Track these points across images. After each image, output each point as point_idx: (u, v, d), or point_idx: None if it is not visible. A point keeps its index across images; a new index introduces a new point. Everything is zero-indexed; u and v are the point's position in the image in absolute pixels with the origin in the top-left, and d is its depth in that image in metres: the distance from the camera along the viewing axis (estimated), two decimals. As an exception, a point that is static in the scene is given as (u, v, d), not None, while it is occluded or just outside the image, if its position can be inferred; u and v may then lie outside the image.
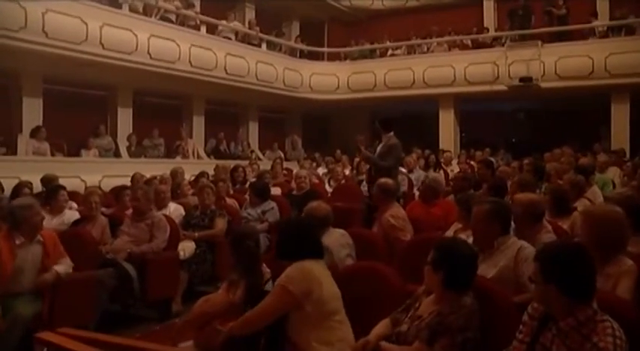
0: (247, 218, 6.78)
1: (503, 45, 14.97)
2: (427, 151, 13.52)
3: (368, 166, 8.52)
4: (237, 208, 7.02)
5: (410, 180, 10.27)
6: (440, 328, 2.63)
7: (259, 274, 3.58)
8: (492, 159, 12.20)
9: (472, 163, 13.12)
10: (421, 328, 2.70)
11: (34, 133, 10.35)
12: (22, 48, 9.43)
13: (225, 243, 6.11)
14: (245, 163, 11.41)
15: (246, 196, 7.62)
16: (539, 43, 14.06)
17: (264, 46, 15.23)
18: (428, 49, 16.56)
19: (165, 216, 5.86)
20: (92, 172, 10.14)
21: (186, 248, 5.85)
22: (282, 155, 14.68)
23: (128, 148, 12.08)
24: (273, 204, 6.94)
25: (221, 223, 6.22)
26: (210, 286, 6.43)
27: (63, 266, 4.51)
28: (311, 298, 2.99)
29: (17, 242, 4.46)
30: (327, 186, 9.94)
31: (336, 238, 4.32)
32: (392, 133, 7.43)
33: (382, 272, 3.29)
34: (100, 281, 4.91)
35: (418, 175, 10.87)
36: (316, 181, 9.93)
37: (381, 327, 2.94)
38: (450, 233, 4.86)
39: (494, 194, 5.64)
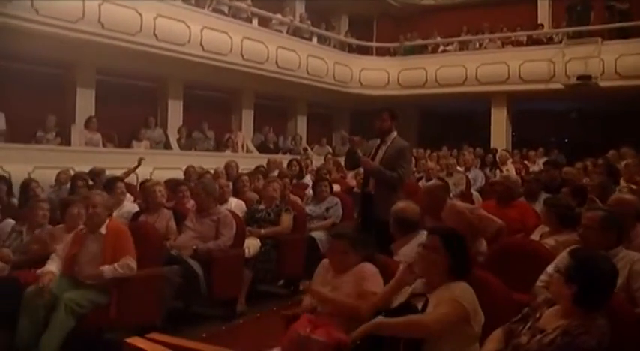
0: (310, 215, 6.54)
1: (560, 42, 14.49)
2: (479, 150, 13.19)
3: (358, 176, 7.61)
4: (302, 204, 6.78)
5: (468, 179, 9.96)
6: (569, 349, 2.35)
7: None
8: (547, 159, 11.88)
9: (526, 163, 12.74)
10: (544, 344, 2.41)
11: (87, 124, 10.31)
12: (79, 39, 9.43)
13: (291, 240, 5.96)
14: (296, 158, 11.19)
15: (306, 192, 7.39)
16: (599, 40, 13.55)
17: (314, 40, 15.01)
18: (480, 45, 16.14)
19: (231, 212, 5.63)
20: (143, 164, 10.00)
21: (252, 245, 5.63)
22: (332, 151, 14.41)
23: (178, 141, 11.97)
24: (336, 200, 6.72)
25: (287, 220, 5.99)
26: (274, 286, 6.29)
27: (118, 265, 4.33)
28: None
29: (82, 232, 4.55)
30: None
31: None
32: (395, 132, 5.51)
33: (485, 280, 3.00)
34: (166, 278, 4.72)
35: (475, 174, 10.56)
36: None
37: (494, 342, 2.66)
38: (535, 237, 4.56)
39: (576, 198, 5.34)
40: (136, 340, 2.43)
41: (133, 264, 4.38)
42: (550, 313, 2.56)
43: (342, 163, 8.54)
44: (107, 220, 4.53)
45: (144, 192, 6.11)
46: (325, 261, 3.54)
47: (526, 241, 4.29)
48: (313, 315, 3.22)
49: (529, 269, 3.59)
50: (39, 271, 4.42)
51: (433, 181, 5.71)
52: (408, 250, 3.69)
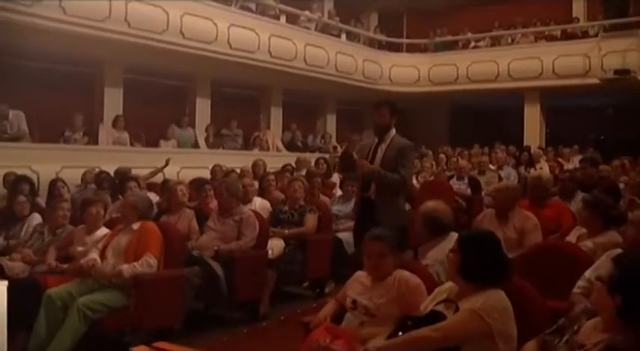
0: (337, 215, 6.37)
1: (596, 35, 14.08)
2: (511, 148, 12.89)
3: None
4: (328, 203, 6.61)
5: (500, 178, 9.70)
6: (612, 368, 2.13)
7: None
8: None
9: (560, 161, 12.40)
10: (584, 360, 2.20)
11: (115, 123, 10.30)
12: (106, 38, 9.38)
13: (317, 241, 5.79)
14: (324, 156, 11.02)
15: (334, 191, 7.22)
16: (638, 32, 13.11)
17: (343, 36, 14.84)
18: (512, 40, 15.81)
19: (254, 212, 5.48)
20: (171, 163, 9.98)
21: (275, 246, 5.48)
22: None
23: (206, 139, 11.90)
24: (364, 200, 6.51)
25: (312, 220, 5.82)
26: (299, 287, 6.14)
27: (137, 264, 4.26)
28: (503, 336, 2.53)
29: (120, 226, 4.60)
30: (414, 182, 9.45)
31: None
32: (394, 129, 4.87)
33: (517, 285, 2.79)
34: (186, 280, 4.59)
35: (508, 172, 10.31)
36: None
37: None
38: (571, 239, 4.32)
39: (609, 197, 5.08)
40: (141, 350, 2.29)
41: (153, 261, 4.30)
42: (590, 326, 2.33)
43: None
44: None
45: (166, 191, 6.00)
46: (358, 273, 3.31)
47: (562, 243, 4.05)
48: (332, 324, 3.05)
49: (565, 274, 3.39)
50: (82, 260, 4.39)
51: (508, 182, 5.37)
52: (436, 254, 3.49)
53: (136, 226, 4.47)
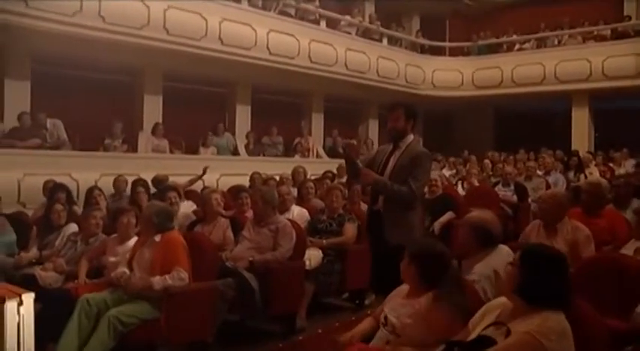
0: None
1: (649, 34, 13.59)
2: (559, 152, 12.46)
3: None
4: (367, 212, 6.37)
5: (548, 184, 9.34)
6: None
7: None
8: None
9: (611, 165, 11.91)
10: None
11: (154, 130, 10.28)
12: (145, 45, 9.45)
13: (356, 251, 5.57)
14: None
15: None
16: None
17: (384, 41, 14.61)
18: (559, 41, 15.37)
19: (291, 221, 5.29)
20: (210, 171, 9.88)
21: (313, 257, 5.26)
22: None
23: (246, 146, 11.79)
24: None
25: (351, 230, 5.60)
26: (338, 299, 5.93)
27: (169, 277, 4.11)
28: None
29: (142, 238, 4.46)
30: (459, 189, 9.16)
31: (504, 259, 3.26)
32: (412, 135, 4.29)
33: (577, 306, 2.53)
34: (219, 292, 4.42)
35: (556, 178, 9.92)
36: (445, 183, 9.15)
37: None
38: (628, 251, 4.01)
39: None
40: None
41: (184, 275, 4.14)
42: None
43: None
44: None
45: (201, 199, 5.86)
46: (401, 287, 3.08)
47: (620, 257, 3.70)
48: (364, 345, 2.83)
49: (624, 291, 3.09)
50: (112, 274, 4.30)
51: (555, 190, 4.95)
52: (483, 268, 3.22)
53: (157, 238, 4.30)
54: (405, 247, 3.62)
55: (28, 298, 2.67)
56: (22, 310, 2.64)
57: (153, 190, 7.48)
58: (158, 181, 7.71)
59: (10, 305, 2.59)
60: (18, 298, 2.64)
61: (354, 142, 4.53)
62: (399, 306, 2.93)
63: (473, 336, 2.50)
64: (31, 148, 8.61)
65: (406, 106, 4.27)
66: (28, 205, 7.76)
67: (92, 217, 5.09)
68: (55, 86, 9.33)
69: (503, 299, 2.60)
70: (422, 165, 4.10)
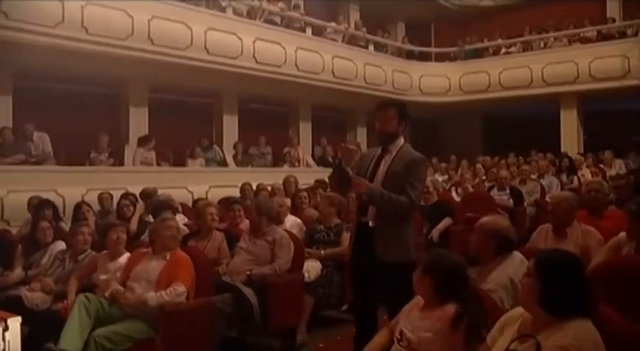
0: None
1: (635, 35, 13.56)
2: (549, 155, 12.38)
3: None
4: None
5: (542, 188, 9.25)
6: None
7: None
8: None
9: (602, 166, 11.85)
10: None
11: (143, 142, 10.07)
12: (129, 56, 9.27)
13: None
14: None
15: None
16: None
17: (371, 47, 14.51)
18: (545, 44, 15.32)
19: (288, 232, 5.10)
20: (199, 183, 9.75)
21: (312, 269, 5.08)
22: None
23: (234, 157, 11.60)
24: (403, 216, 6.10)
25: (348, 239, 5.42)
26: (338, 311, 5.74)
27: (165, 293, 3.95)
28: None
29: (143, 250, 4.35)
30: (454, 194, 9.04)
31: (518, 267, 3.11)
32: (403, 138, 3.83)
33: (603, 314, 2.37)
34: (217, 309, 4.23)
35: (550, 181, 9.84)
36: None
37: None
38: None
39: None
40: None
41: (182, 290, 3.98)
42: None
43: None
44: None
45: (195, 213, 5.66)
46: (418, 297, 2.90)
47: (637, 260, 3.56)
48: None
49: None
50: (106, 293, 4.08)
51: (565, 192, 4.72)
52: (499, 277, 3.05)
53: (167, 255, 4.18)
54: (400, 265, 3.44)
55: (15, 322, 2.53)
56: (8, 336, 2.51)
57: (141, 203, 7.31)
58: (146, 194, 7.49)
59: None
60: (3, 323, 2.50)
61: (352, 146, 3.83)
62: (416, 319, 2.76)
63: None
64: (15, 164, 8.40)
65: (399, 105, 3.88)
66: (13, 222, 7.58)
67: (80, 233, 4.89)
68: (37, 100, 9.12)
69: (521, 309, 2.44)
70: (418, 171, 3.66)
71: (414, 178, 3.59)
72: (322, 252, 5.34)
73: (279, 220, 5.72)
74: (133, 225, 6.37)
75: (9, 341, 2.48)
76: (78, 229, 5.00)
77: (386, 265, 3.51)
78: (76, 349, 3.68)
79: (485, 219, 3.35)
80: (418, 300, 2.86)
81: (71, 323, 3.79)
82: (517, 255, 3.19)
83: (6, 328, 2.47)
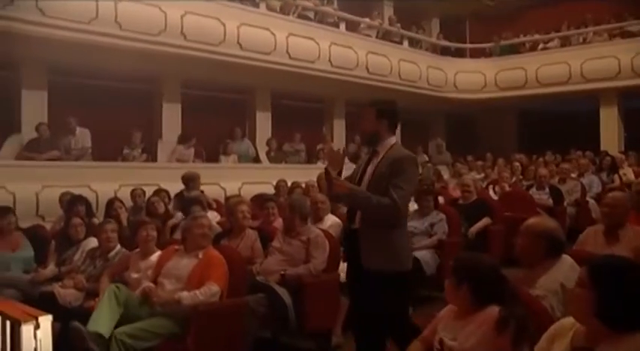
0: (413, 232, 5.82)
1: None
2: (589, 153, 12.05)
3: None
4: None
5: (583, 186, 8.97)
6: None
7: None
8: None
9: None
10: None
11: (183, 140, 10.08)
12: (162, 51, 9.24)
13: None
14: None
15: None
16: None
17: (405, 43, 14.31)
18: (584, 39, 14.92)
19: (324, 231, 4.96)
20: (231, 179, 9.68)
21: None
22: (428, 159, 13.62)
23: (267, 154, 11.52)
24: (442, 215, 5.96)
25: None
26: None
27: (199, 292, 3.85)
28: None
29: (175, 247, 4.27)
30: (491, 193, 8.82)
31: (568, 271, 2.92)
32: (395, 138, 3.61)
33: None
34: (250, 309, 4.13)
35: (590, 180, 9.56)
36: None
37: None
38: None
39: None
40: None
41: (216, 289, 3.88)
42: None
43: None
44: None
45: (227, 210, 5.56)
46: (450, 306, 2.75)
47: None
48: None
49: None
50: (138, 291, 4.00)
51: (619, 192, 4.47)
52: (549, 282, 2.86)
53: (200, 254, 4.08)
54: (384, 274, 3.29)
55: (46, 320, 2.32)
56: (40, 334, 2.31)
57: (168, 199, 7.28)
58: (189, 177, 7.62)
59: (26, 329, 2.26)
60: (34, 321, 2.32)
61: (335, 147, 3.69)
62: (456, 327, 2.61)
63: None
64: (50, 160, 8.45)
65: (378, 104, 3.60)
66: (47, 217, 7.63)
67: (103, 231, 4.84)
68: (72, 96, 9.15)
69: (572, 319, 2.27)
70: (404, 171, 3.38)
71: (397, 179, 3.35)
72: (358, 252, 5.19)
73: (318, 218, 5.60)
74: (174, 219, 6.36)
75: (40, 339, 2.28)
76: (102, 226, 4.95)
77: (371, 273, 3.35)
78: (106, 332, 3.63)
79: (531, 220, 3.17)
80: (451, 307, 2.71)
81: (101, 308, 3.76)
82: (567, 258, 3.00)
83: (37, 326, 2.29)
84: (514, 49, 15.91)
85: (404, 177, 3.36)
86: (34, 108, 8.97)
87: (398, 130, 12.04)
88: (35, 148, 8.49)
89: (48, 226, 6.96)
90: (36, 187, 7.98)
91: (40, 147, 8.52)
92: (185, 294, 3.83)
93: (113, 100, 9.72)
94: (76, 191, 7.15)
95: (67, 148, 8.93)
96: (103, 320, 3.69)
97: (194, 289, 3.86)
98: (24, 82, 8.97)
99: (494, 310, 2.48)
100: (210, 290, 3.83)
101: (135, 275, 4.32)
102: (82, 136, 9.11)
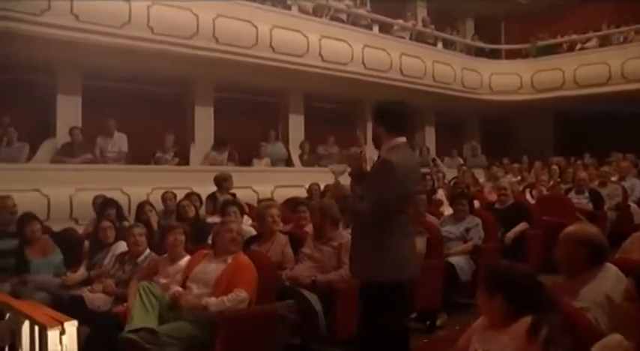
0: (448, 236, 5.68)
1: None
2: (630, 156, 11.71)
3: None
4: (438, 225, 5.90)
5: (624, 190, 8.72)
6: None
7: None
8: None
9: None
10: None
11: (218, 146, 10.09)
12: (194, 55, 9.22)
13: (426, 267, 5.12)
14: (427, 171, 10.31)
15: (441, 209, 6.53)
16: None
17: (439, 45, 14.14)
18: (625, 39, 14.53)
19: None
20: (264, 182, 9.63)
21: (380, 275, 4.83)
22: (462, 162, 13.42)
23: (300, 157, 11.45)
24: (478, 220, 5.81)
25: (420, 244, 5.10)
26: (406, 320, 5.47)
27: (227, 299, 3.78)
28: None
29: (205, 251, 4.24)
30: (528, 197, 8.61)
31: (614, 282, 2.74)
32: (399, 140, 3.37)
33: None
34: (279, 316, 4.04)
35: (632, 183, 9.29)
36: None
37: None
38: None
39: None
40: None
41: (244, 296, 3.81)
42: None
43: None
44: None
45: (257, 214, 5.49)
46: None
47: None
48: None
49: None
50: (168, 295, 3.97)
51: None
52: (593, 293, 2.68)
53: (229, 259, 4.03)
54: (367, 284, 3.22)
55: (71, 326, 2.42)
56: (65, 340, 2.39)
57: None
58: (221, 178, 7.66)
59: (52, 334, 2.36)
60: (60, 327, 2.39)
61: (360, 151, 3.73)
62: (490, 338, 2.49)
63: None
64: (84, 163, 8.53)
65: (376, 105, 3.53)
66: (81, 220, 7.66)
67: (131, 235, 4.80)
68: (105, 100, 9.18)
69: (619, 337, 2.12)
70: (376, 175, 3.28)
71: (372, 183, 3.28)
72: (391, 257, 5.07)
73: (349, 223, 5.49)
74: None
75: (66, 345, 2.38)
76: (130, 230, 4.91)
77: (361, 283, 3.34)
78: (154, 325, 3.68)
79: (571, 228, 2.99)
80: (484, 318, 2.58)
81: (138, 307, 3.77)
82: (611, 267, 2.83)
83: (63, 332, 2.38)
84: (551, 50, 15.58)
85: (375, 181, 3.27)
86: (68, 112, 9.03)
87: (432, 134, 11.97)
88: (69, 152, 8.57)
89: (81, 229, 6.99)
90: (70, 191, 8.02)
91: (73, 151, 8.59)
92: (212, 300, 3.78)
93: (146, 103, 9.75)
94: (109, 194, 7.19)
95: (103, 149, 9.05)
96: (145, 316, 3.71)
97: (221, 294, 3.80)
98: (59, 87, 9.04)
99: (527, 320, 2.35)
100: (238, 297, 3.76)
101: (163, 280, 4.25)
102: (120, 140, 9.23)
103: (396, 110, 3.45)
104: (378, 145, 3.48)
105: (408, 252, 3.38)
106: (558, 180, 10.03)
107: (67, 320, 2.44)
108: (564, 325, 2.33)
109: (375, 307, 3.24)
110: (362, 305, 3.39)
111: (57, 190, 7.88)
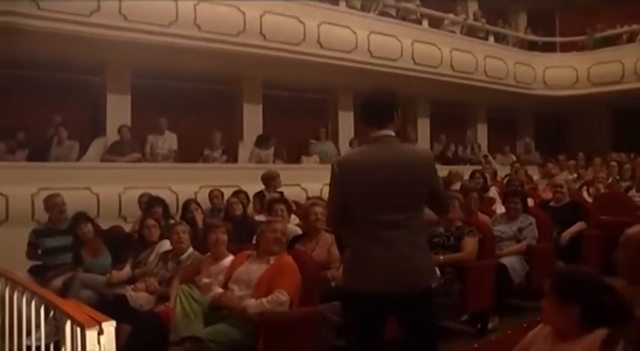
0: (500, 236, 5.47)
1: None
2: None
3: None
4: (490, 224, 5.68)
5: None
6: None
7: None
8: None
9: None
10: None
11: (261, 142, 9.99)
12: (242, 52, 9.18)
13: (477, 268, 4.94)
14: (479, 168, 10.05)
15: (494, 208, 6.31)
16: None
17: (491, 39, 13.82)
18: (691, 28, 13.92)
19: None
20: (313, 180, 9.49)
21: (429, 276, 4.67)
22: (516, 159, 13.07)
23: (350, 154, 11.30)
24: (531, 219, 5.58)
25: (471, 244, 4.93)
26: (457, 322, 5.30)
27: (266, 301, 3.70)
28: None
29: (248, 252, 4.19)
30: (585, 195, 8.29)
31: None
32: (379, 133, 2.99)
33: None
34: (323, 318, 3.92)
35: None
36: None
37: None
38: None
39: None
40: None
41: (285, 298, 3.72)
42: None
43: None
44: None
45: (302, 213, 5.38)
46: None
47: None
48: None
49: None
50: (209, 295, 3.93)
51: None
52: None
53: (272, 260, 3.94)
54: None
55: (109, 326, 2.36)
56: (103, 340, 2.33)
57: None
58: (268, 176, 7.64)
59: (90, 334, 2.30)
60: (98, 327, 2.32)
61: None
62: (550, 349, 2.31)
63: None
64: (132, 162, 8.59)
65: None
66: (129, 218, 7.70)
67: (175, 232, 4.76)
68: (153, 98, 9.26)
69: None
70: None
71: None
72: (441, 258, 4.90)
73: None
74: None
75: (104, 345, 2.33)
76: (173, 228, 4.88)
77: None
78: (200, 333, 3.62)
79: (632, 230, 2.74)
80: (544, 327, 2.39)
81: (179, 313, 3.72)
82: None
83: (101, 332, 2.32)
84: (609, 42, 15.00)
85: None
86: (118, 111, 9.14)
87: (484, 130, 11.69)
88: (118, 150, 8.65)
89: (128, 226, 7.03)
90: (119, 189, 8.10)
91: (122, 149, 8.67)
92: (251, 302, 3.70)
93: (194, 101, 9.80)
94: (157, 193, 7.17)
95: (153, 147, 9.13)
96: (187, 323, 3.66)
97: (262, 296, 3.72)
98: (109, 86, 9.16)
99: (602, 333, 2.16)
100: (279, 299, 3.66)
101: (206, 280, 4.19)
102: (170, 139, 9.30)
103: (366, 100, 3.07)
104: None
105: (363, 260, 2.90)
106: (617, 177, 9.63)
107: (105, 320, 2.38)
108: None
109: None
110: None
111: (106, 188, 7.97)
